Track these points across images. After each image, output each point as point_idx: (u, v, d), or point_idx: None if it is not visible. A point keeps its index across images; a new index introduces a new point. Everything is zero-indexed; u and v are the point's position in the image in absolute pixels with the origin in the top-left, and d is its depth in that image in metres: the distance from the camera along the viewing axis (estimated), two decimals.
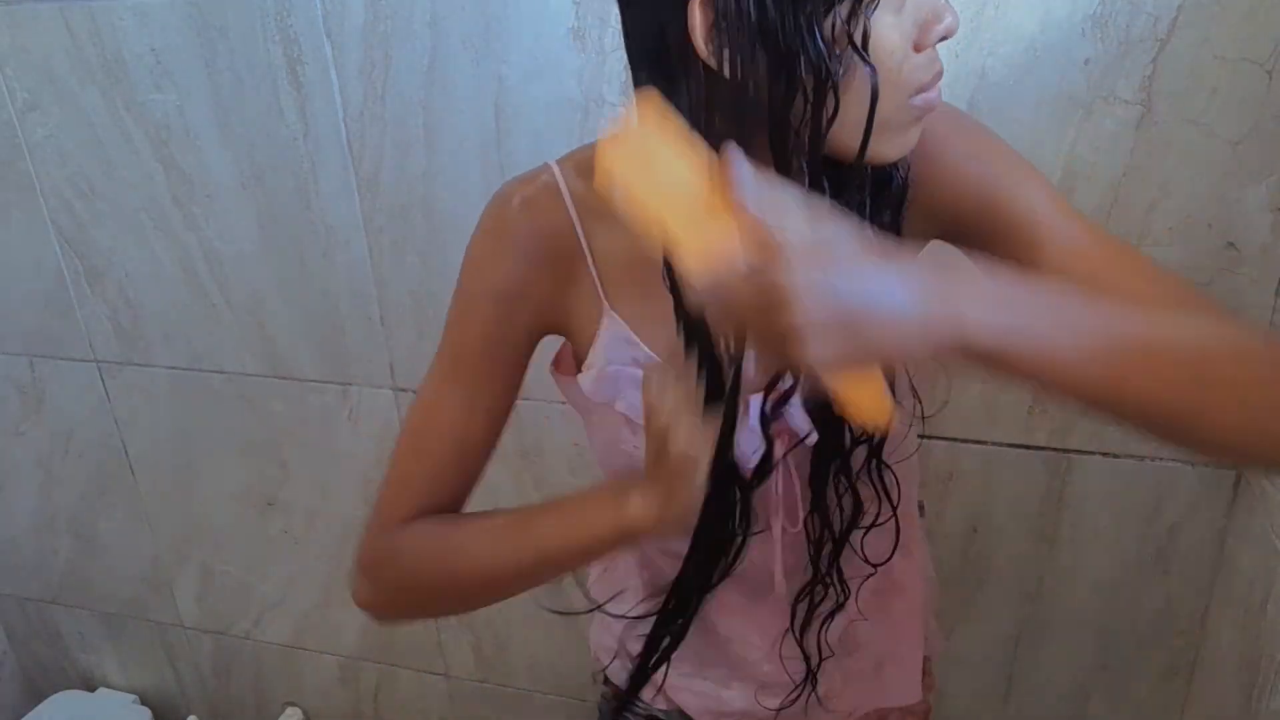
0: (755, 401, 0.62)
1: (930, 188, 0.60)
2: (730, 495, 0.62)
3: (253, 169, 1.21)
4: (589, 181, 0.61)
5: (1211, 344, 0.49)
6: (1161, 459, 1.04)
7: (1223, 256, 0.94)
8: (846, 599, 0.70)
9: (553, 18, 1.02)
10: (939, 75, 0.53)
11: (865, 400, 0.47)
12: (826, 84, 0.49)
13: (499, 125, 1.09)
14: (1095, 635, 1.17)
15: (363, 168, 1.16)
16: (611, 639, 0.84)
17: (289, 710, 1.71)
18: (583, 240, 0.62)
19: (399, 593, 0.68)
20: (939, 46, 0.53)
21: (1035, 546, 1.14)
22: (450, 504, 0.69)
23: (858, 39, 0.48)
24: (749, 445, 0.62)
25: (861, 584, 0.72)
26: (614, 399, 0.65)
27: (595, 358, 0.64)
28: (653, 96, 0.51)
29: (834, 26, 0.48)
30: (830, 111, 0.50)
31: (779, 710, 0.78)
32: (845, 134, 0.52)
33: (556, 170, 0.63)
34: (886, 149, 0.54)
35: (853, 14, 0.48)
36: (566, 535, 0.62)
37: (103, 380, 1.46)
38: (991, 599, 1.19)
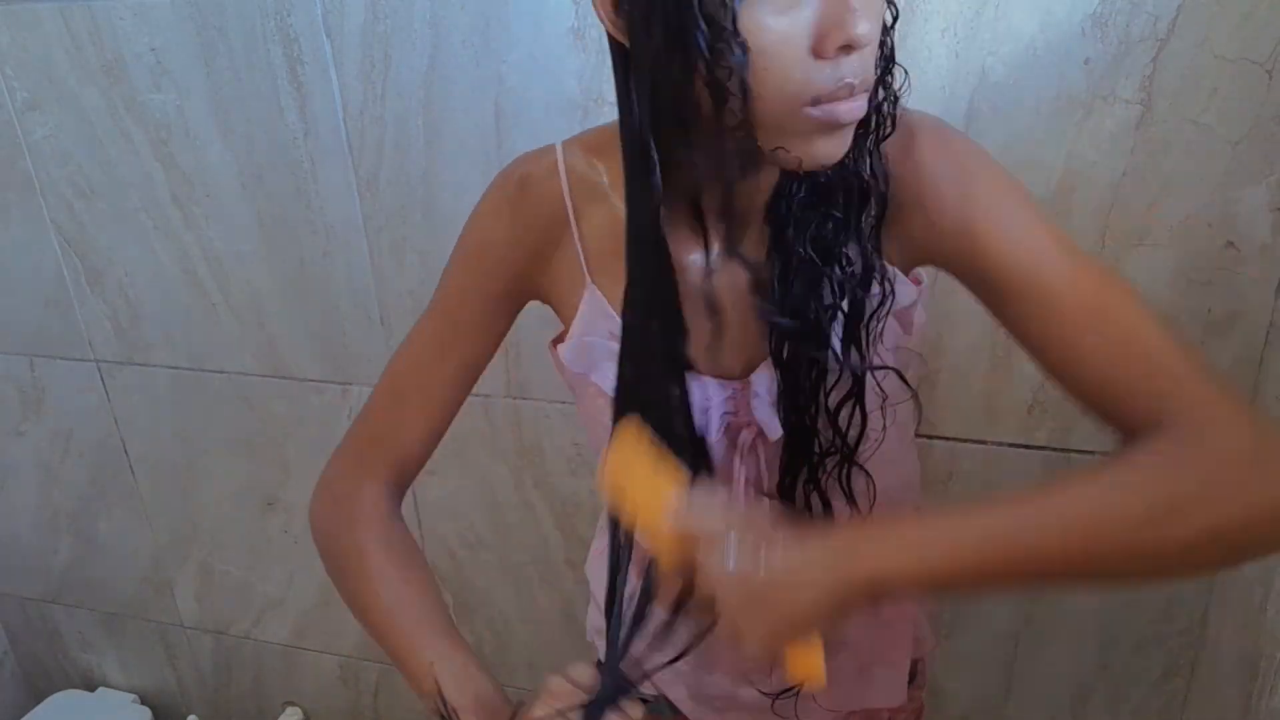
0: (719, 387, 0.65)
1: (913, 219, 0.60)
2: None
3: (253, 169, 1.21)
4: (589, 160, 0.65)
5: (1125, 512, 0.50)
6: None
7: (1223, 256, 0.94)
8: None
9: (553, 17, 1.02)
10: (849, 89, 0.50)
11: (801, 663, 0.53)
12: (715, 64, 0.49)
13: (499, 125, 1.09)
14: (1095, 635, 1.17)
15: (363, 168, 1.16)
16: (602, 621, 0.86)
17: (289, 710, 1.71)
18: (571, 215, 0.65)
19: (319, 542, 0.75)
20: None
21: None
22: (398, 447, 0.73)
23: (728, 26, 0.48)
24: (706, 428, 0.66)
25: None
26: (590, 370, 0.68)
27: (575, 328, 0.68)
28: (632, 425, 0.59)
29: (715, 15, 0.48)
30: (736, 90, 0.50)
31: (769, 696, 0.78)
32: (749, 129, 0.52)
33: (559, 150, 0.66)
34: (790, 154, 0.53)
35: (723, 4, 0.48)
36: (401, 660, 0.70)
37: (103, 380, 1.46)
38: (991, 599, 1.19)
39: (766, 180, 0.60)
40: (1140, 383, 0.54)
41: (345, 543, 0.72)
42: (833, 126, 0.52)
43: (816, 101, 0.51)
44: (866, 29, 0.49)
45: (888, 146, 0.59)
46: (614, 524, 0.64)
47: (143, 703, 1.78)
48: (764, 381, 0.64)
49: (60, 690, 1.80)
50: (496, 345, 0.72)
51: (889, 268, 0.62)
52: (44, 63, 1.22)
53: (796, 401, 0.63)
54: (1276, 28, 0.84)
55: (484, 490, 1.34)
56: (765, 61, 0.49)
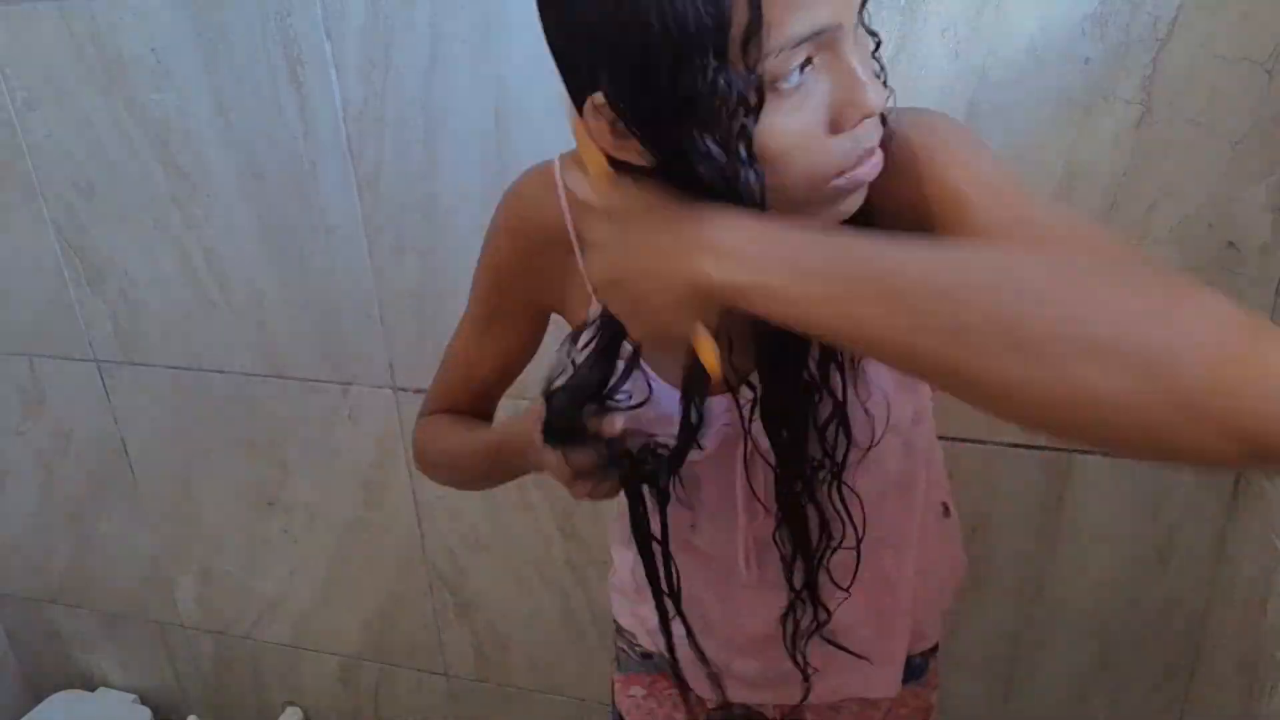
0: (716, 401, 0.66)
1: (899, 192, 0.58)
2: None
3: (253, 169, 1.21)
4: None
5: (982, 276, 0.42)
6: None
7: (1223, 256, 0.94)
8: (828, 618, 0.73)
9: None
10: (868, 153, 0.52)
11: (701, 354, 0.54)
12: (730, 189, 0.49)
13: (499, 125, 1.09)
14: (1095, 635, 1.17)
15: (363, 168, 1.16)
16: (617, 578, 0.90)
17: (289, 710, 1.71)
18: (573, 235, 0.66)
19: (422, 461, 0.84)
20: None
21: (1035, 546, 1.14)
22: (469, 407, 0.81)
23: (741, 150, 0.48)
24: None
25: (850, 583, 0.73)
26: None
27: (581, 340, 0.69)
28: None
29: (725, 131, 0.48)
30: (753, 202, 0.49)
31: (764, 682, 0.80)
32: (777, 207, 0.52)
33: (557, 165, 0.67)
34: (820, 217, 0.54)
35: (737, 126, 0.48)
36: (494, 455, 0.75)
37: (103, 380, 1.46)
38: (991, 599, 1.19)
39: None
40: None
41: (427, 436, 0.82)
42: (857, 187, 0.53)
43: (842, 173, 0.52)
44: (877, 96, 0.50)
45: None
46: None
47: (143, 703, 1.78)
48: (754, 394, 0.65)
49: (60, 690, 1.80)
50: (535, 340, 0.78)
51: None
52: (44, 63, 1.22)
53: (784, 416, 0.64)
54: (1276, 28, 0.84)
55: (484, 490, 1.34)
56: (790, 158, 0.50)
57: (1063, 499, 1.10)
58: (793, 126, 0.49)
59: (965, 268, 0.43)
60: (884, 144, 0.57)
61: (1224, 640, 1.05)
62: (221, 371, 1.39)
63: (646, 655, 0.89)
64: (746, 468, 0.69)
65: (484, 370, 0.79)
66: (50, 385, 1.51)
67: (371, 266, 1.23)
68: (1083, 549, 1.13)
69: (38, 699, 1.78)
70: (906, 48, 0.93)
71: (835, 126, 0.50)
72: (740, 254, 0.47)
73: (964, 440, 1.10)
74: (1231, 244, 0.93)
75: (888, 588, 0.78)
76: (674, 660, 0.78)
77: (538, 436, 0.62)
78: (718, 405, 0.67)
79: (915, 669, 0.85)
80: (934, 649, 0.88)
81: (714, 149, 0.48)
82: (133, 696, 1.79)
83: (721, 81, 0.46)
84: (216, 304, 1.33)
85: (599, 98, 0.50)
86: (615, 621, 0.93)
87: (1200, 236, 0.93)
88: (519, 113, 1.08)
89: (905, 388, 0.69)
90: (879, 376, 0.66)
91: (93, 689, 1.82)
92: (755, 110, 0.47)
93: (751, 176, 0.49)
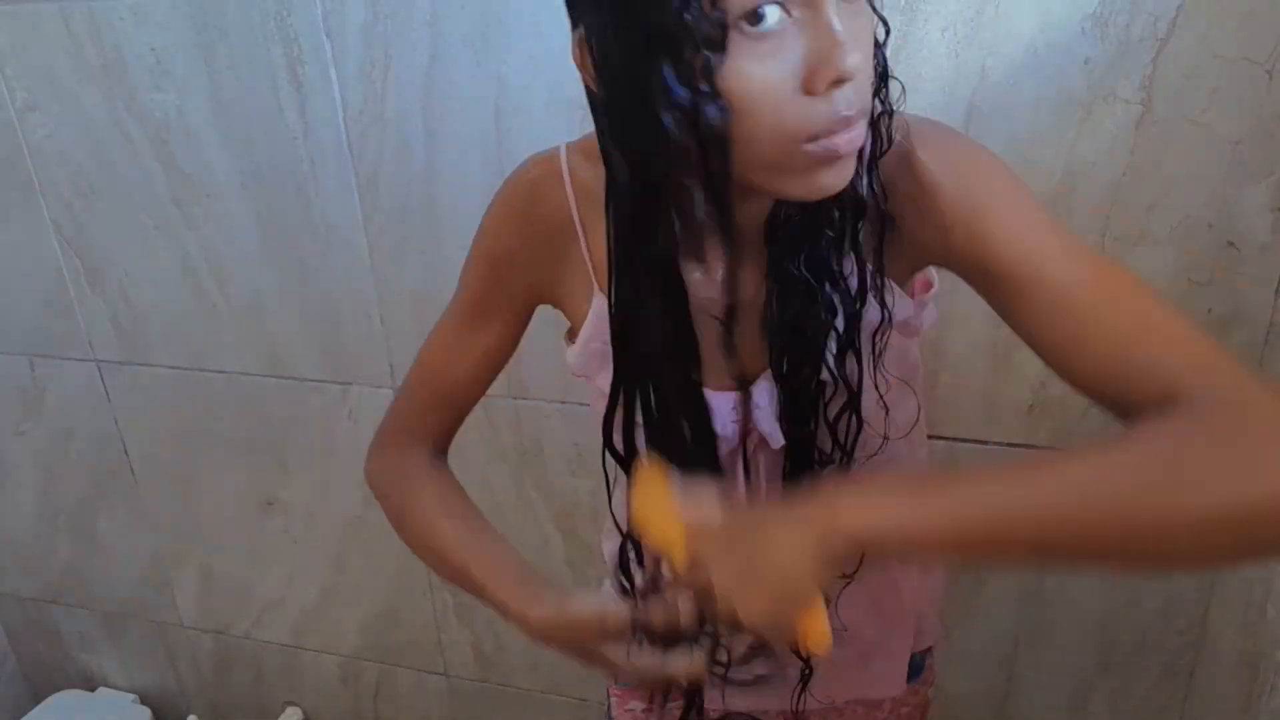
0: (723, 399, 0.66)
1: (915, 222, 0.59)
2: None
3: (253, 169, 1.21)
4: (594, 167, 0.63)
5: (1133, 478, 0.46)
6: None
7: (1223, 256, 0.94)
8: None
9: (553, 18, 1.01)
10: (844, 122, 0.50)
11: (809, 631, 0.54)
12: (691, 127, 0.49)
13: (499, 125, 1.09)
14: (1095, 635, 1.17)
15: (363, 168, 1.16)
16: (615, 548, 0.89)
17: (289, 710, 1.71)
18: (578, 224, 0.66)
19: (380, 499, 0.80)
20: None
21: None
22: (436, 422, 0.78)
23: (702, 86, 0.48)
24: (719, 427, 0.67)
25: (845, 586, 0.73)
26: (595, 374, 0.70)
27: (583, 334, 0.69)
28: (653, 465, 0.61)
29: (689, 67, 0.48)
30: (717, 147, 0.50)
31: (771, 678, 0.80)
32: (741, 171, 0.52)
33: (563, 154, 0.66)
34: (791, 189, 0.53)
35: (703, 64, 0.48)
36: (478, 582, 0.71)
37: (103, 380, 1.46)
38: (991, 599, 1.19)
39: (761, 202, 0.60)
40: (1153, 364, 0.51)
41: (400, 499, 0.77)
42: (833, 158, 0.52)
43: (814, 138, 0.50)
44: (856, 60, 0.48)
45: (886, 155, 0.58)
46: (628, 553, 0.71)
47: (143, 703, 1.78)
48: (764, 393, 0.65)
49: (60, 690, 1.80)
50: (518, 338, 0.75)
51: (888, 282, 0.62)
52: (44, 63, 1.22)
53: (797, 412, 0.64)
54: (1276, 28, 0.84)
55: (484, 490, 1.34)
56: (756, 107, 0.49)
57: None
58: (761, 73, 0.48)
59: (1109, 481, 0.47)
60: (894, 145, 0.58)
61: (1224, 640, 1.05)
62: (221, 371, 1.39)
63: None
64: (748, 466, 0.69)
65: (459, 370, 0.74)
66: (50, 385, 1.51)
67: (371, 266, 1.23)
68: None
69: (38, 699, 1.78)
70: (906, 48, 0.93)
71: (809, 87, 0.49)
72: (867, 503, 0.50)
73: (964, 440, 1.10)
74: (1231, 244, 0.93)
75: (891, 588, 0.78)
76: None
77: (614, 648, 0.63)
78: (725, 403, 0.66)
79: (915, 667, 0.86)
80: (930, 648, 0.88)
81: (677, 86, 0.48)
82: (133, 696, 1.78)
83: (688, 15, 0.46)
84: (216, 304, 1.33)
85: (581, 32, 0.52)
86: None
87: (1200, 236, 0.93)
88: (519, 113, 1.08)
89: (905, 389, 0.69)
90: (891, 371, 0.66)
91: (93, 689, 1.82)
92: (719, 46, 0.47)
93: (714, 111, 0.48)
